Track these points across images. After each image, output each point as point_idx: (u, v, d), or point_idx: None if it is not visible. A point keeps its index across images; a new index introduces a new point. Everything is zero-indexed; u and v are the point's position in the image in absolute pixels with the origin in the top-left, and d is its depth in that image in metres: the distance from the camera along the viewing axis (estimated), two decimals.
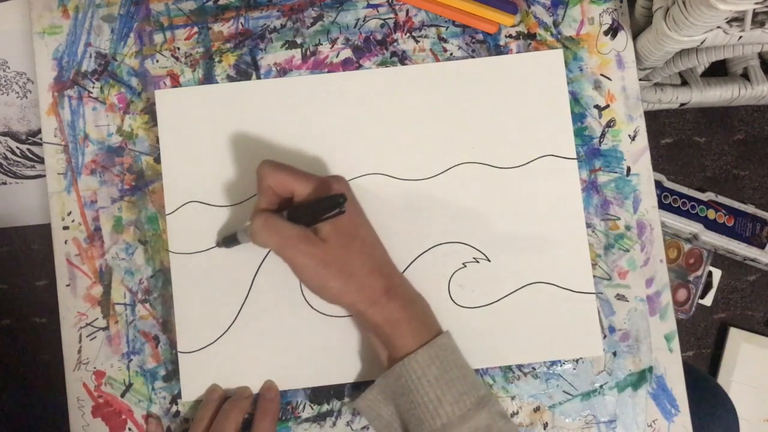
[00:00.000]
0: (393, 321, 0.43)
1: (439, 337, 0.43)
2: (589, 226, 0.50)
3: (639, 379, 0.49)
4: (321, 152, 0.51)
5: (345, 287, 0.42)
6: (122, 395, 0.50)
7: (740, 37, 0.45)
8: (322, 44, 0.51)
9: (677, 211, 0.96)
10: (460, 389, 0.41)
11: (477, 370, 0.50)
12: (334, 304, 0.44)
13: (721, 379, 1.00)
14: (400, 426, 0.44)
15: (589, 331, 0.49)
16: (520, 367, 0.50)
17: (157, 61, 0.51)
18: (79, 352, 0.50)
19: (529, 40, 0.52)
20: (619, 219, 0.51)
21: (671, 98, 0.60)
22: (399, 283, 0.45)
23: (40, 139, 0.54)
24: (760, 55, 0.62)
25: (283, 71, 0.51)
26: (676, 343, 0.50)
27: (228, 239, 0.48)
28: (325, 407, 0.50)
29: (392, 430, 0.44)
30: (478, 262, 0.50)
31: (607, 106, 0.51)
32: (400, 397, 0.42)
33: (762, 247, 0.98)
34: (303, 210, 0.43)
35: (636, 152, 0.51)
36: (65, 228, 0.51)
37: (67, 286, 0.50)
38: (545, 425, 0.49)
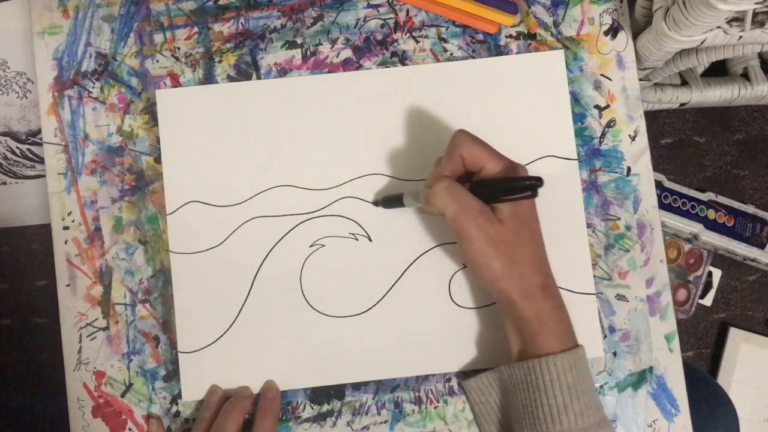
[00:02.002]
0: (542, 319, 0.42)
1: (579, 348, 0.43)
2: (589, 226, 0.50)
3: (639, 379, 0.49)
4: (321, 152, 0.51)
5: (506, 272, 0.42)
6: (122, 395, 0.50)
7: (740, 37, 0.45)
8: (322, 44, 0.51)
9: (677, 211, 0.96)
10: (587, 403, 0.41)
11: (477, 370, 0.50)
12: (487, 285, 0.43)
13: (721, 379, 1.00)
14: (503, 417, 0.44)
15: (590, 332, 0.49)
16: None
17: (158, 61, 0.51)
18: (79, 352, 0.50)
19: (530, 40, 0.52)
20: (619, 219, 0.51)
21: (671, 98, 0.60)
22: (553, 284, 0.44)
23: (40, 139, 0.54)
24: (760, 55, 0.62)
25: (283, 71, 0.51)
26: (676, 343, 0.50)
27: (390, 200, 0.48)
28: (325, 407, 0.50)
29: (493, 418, 0.45)
30: None
31: (608, 106, 0.51)
32: (522, 392, 0.42)
33: (762, 247, 0.98)
34: (490, 185, 0.42)
35: (636, 152, 0.51)
36: (65, 228, 0.51)
37: (67, 286, 0.50)
38: None
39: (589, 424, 0.41)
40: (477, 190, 0.42)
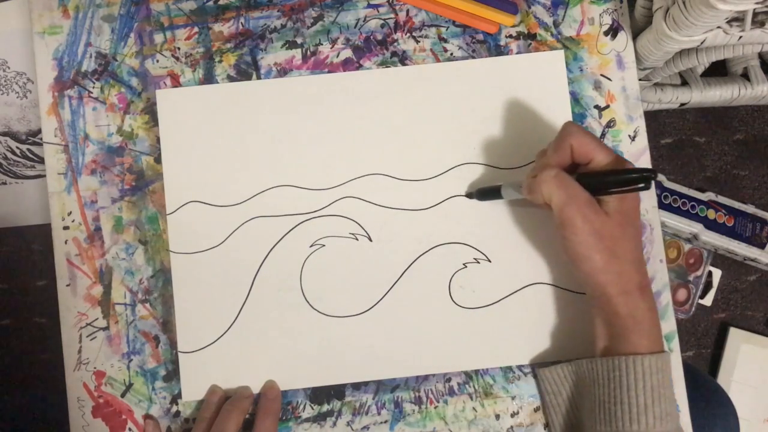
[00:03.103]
0: (637, 318, 0.42)
1: (667, 353, 0.42)
2: None
3: None
4: (321, 152, 0.51)
5: (606, 266, 0.41)
6: (122, 395, 0.50)
7: (740, 37, 0.45)
8: (322, 44, 0.51)
9: (677, 211, 0.96)
10: (666, 409, 0.41)
11: (477, 371, 0.50)
12: (584, 277, 0.43)
13: (721, 379, 1.00)
14: (572, 409, 0.45)
15: (590, 332, 0.49)
16: (520, 367, 0.50)
17: (158, 61, 0.51)
18: (79, 352, 0.50)
19: (530, 40, 0.52)
20: None
21: (671, 98, 0.60)
22: (649, 284, 0.43)
23: (40, 139, 0.54)
24: (760, 55, 0.62)
25: (283, 71, 0.51)
26: (676, 343, 0.50)
27: (486, 191, 0.48)
28: (325, 407, 0.50)
29: (561, 409, 0.45)
30: (478, 262, 0.50)
31: (607, 106, 0.51)
32: (602, 387, 0.42)
33: (762, 247, 0.97)
34: (600, 177, 0.42)
35: (636, 152, 0.51)
36: (65, 228, 0.51)
37: (67, 286, 0.50)
38: (546, 425, 0.49)
39: (666, 431, 0.40)
40: (584, 181, 0.42)
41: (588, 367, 0.44)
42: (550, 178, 0.41)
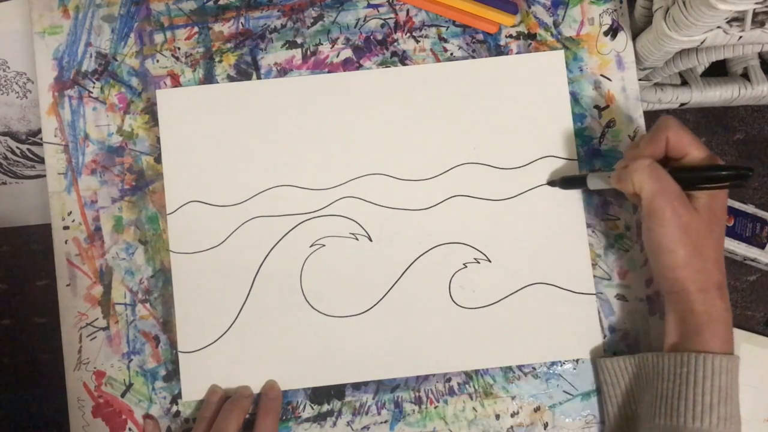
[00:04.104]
0: (713, 317, 0.41)
1: (737, 356, 0.42)
2: (589, 226, 0.50)
3: None
4: (321, 152, 0.51)
5: (689, 261, 0.41)
6: (122, 395, 0.50)
7: (740, 37, 0.44)
8: (322, 44, 0.51)
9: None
10: (731, 411, 0.41)
11: (477, 371, 0.50)
12: (665, 271, 0.42)
13: None
14: (628, 401, 0.45)
15: (590, 332, 0.49)
16: (520, 367, 0.50)
17: (158, 61, 0.51)
18: (80, 352, 0.50)
19: (530, 40, 0.52)
20: (619, 219, 0.51)
21: (671, 98, 0.60)
22: (726, 285, 0.43)
23: (40, 139, 0.53)
24: (760, 55, 0.62)
25: (283, 71, 0.51)
26: None
27: (570, 180, 0.48)
28: (325, 407, 0.50)
29: (618, 401, 0.46)
30: (478, 262, 0.50)
31: (607, 106, 0.51)
32: (667, 381, 0.42)
33: (762, 247, 0.97)
34: (695, 172, 0.41)
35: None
36: (65, 228, 0.51)
37: (67, 286, 0.50)
38: (545, 425, 0.49)
39: None
40: (677, 175, 0.41)
41: (653, 361, 0.43)
42: (643, 168, 0.41)
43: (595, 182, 0.46)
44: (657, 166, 0.41)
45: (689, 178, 0.41)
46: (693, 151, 0.42)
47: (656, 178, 0.41)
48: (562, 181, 0.49)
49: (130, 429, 0.50)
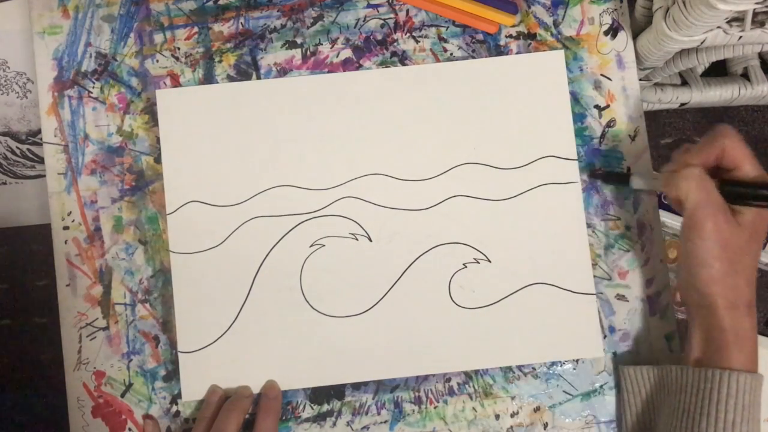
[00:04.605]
0: (740, 334, 0.41)
1: (761, 375, 0.41)
2: (589, 226, 0.50)
3: None
4: (321, 152, 0.51)
5: (723, 276, 0.40)
6: (122, 395, 0.50)
7: (740, 37, 0.44)
8: (322, 44, 0.51)
9: (678, 211, 0.96)
10: (753, 430, 0.40)
11: (477, 371, 0.50)
12: (697, 283, 0.42)
13: None
14: (647, 412, 0.45)
15: (590, 332, 0.49)
16: (520, 367, 0.50)
17: (157, 61, 0.51)
18: (79, 352, 0.50)
19: (530, 40, 0.52)
20: (619, 219, 0.51)
21: (671, 98, 0.60)
22: (755, 303, 0.42)
23: (40, 139, 0.54)
24: (760, 55, 0.62)
25: (283, 71, 0.51)
26: (676, 343, 0.50)
27: (612, 176, 0.47)
28: (325, 407, 0.50)
29: (637, 410, 0.46)
30: (478, 262, 0.50)
31: (608, 106, 0.51)
32: (689, 395, 0.42)
33: (762, 247, 0.97)
34: (747, 186, 0.41)
35: (636, 152, 0.51)
36: (65, 228, 0.51)
37: (67, 286, 0.50)
38: (545, 425, 0.49)
39: None
40: (725, 188, 0.41)
41: (677, 374, 0.43)
42: (692, 176, 0.41)
43: (638, 182, 0.46)
44: (706, 177, 0.41)
45: (738, 193, 0.41)
46: (746, 165, 0.41)
47: (703, 189, 0.41)
48: (605, 175, 0.49)
49: (129, 429, 0.50)
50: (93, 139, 0.51)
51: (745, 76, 0.62)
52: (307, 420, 0.49)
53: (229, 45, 0.51)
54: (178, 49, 0.52)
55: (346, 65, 0.51)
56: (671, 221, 0.96)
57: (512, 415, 0.49)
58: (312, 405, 0.50)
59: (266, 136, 0.51)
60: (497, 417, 0.49)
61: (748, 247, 0.41)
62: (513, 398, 0.49)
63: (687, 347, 0.44)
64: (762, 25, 0.44)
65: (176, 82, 0.51)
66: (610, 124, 0.51)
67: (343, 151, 0.51)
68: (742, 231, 0.41)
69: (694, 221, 0.41)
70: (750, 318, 0.41)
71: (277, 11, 0.52)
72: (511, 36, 0.52)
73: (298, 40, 0.51)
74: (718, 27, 0.44)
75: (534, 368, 0.50)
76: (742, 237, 0.41)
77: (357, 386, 0.50)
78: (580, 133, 0.51)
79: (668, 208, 0.96)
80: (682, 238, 0.42)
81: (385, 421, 0.49)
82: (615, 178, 0.49)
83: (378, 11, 0.52)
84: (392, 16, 0.52)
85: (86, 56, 0.52)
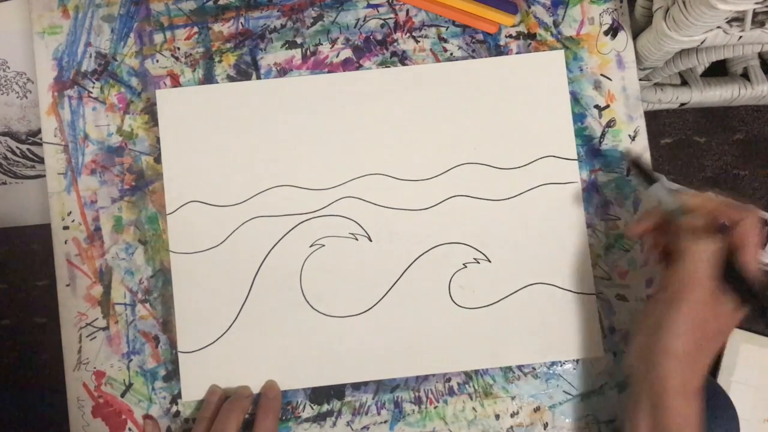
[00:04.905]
0: (688, 420, 0.39)
1: None
2: (589, 226, 0.50)
3: None
4: (321, 152, 0.51)
5: (683, 355, 0.39)
6: (122, 395, 0.50)
7: (740, 37, 0.45)
8: (322, 44, 0.51)
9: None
10: None
11: (477, 371, 0.50)
12: (649, 355, 0.40)
13: (721, 379, 1.00)
14: None
15: (590, 332, 0.49)
16: (520, 367, 0.50)
17: (157, 61, 0.51)
18: (79, 352, 0.50)
19: (530, 40, 0.52)
20: (619, 219, 0.51)
21: (671, 98, 0.60)
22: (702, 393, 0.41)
23: (40, 139, 0.54)
24: (760, 55, 0.62)
25: (283, 71, 0.51)
26: None
27: (644, 170, 0.45)
28: (325, 407, 0.50)
29: None
30: (478, 262, 0.50)
31: (607, 106, 0.51)
32: None
33: (762, 247, 0.97)
34: (741, 281, 0.39)
35: (636, 152, 0.51)
36: (65, 228, 0.51)
37: (67, 286, 0.50)
38: (545, 425, 0.49)
39: None
40: (729, 273, 0.39)
41: None
42: (706, 247, 0.39)
43: (662, 193, 0.44)
44: (720, 255, 0.39)
45: (732, 280, 0.39)
46: (750, 252, 0.39)
47: (709, 263, 0.39)
48: (633, 165, 0.47)
49: (129, 429, 0.50)
50: (93, 139, 0.51)
51: (745, 76, 0.63)
52: (307, 420, 0.49)
53: (229, 45, 0.51)
54: (178, 49, 0.52)
55: (346, 65, 0.51)
56: None
57: (512, 415, 0.49)
58: (312, 405, 0.50)
59: (266, 136, 0.51)
60: (497, 417, 0.49)
61: (719, 333, 0.40)
62: (513, 398, 0.49)
63: (630, 423, 0.41)
64: (762, 25, 0.44)
65: (176, 82, 0.51)
66: (610, 124, 0.51)
67: (343, 151, 0.51)
68: (718, 315, 0.39)
69: (680, 288, 0.39)
70: (698, 403, 0.39)
71: (277, 11, 0.52)
72: (511, 36, 0.52)
73: (298, 40, 0.51)
74: (718, 27, 0.44)
75: (534, 368, 0.50)
76: (718, 321, 0.40)
77: (357, 386, 0.50)
78: (580, 133, 0.51)
79: None
80: (656, 293, 0.41)
81: (385, 421, 0.49)
82: (642, 173, 0.47)
83: (378, 11, 0.52)
84: (392, 16, 0.52)
85: (86, 56, 0.52)
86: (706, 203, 0.42)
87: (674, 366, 0.39)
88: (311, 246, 0.50)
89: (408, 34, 0.52)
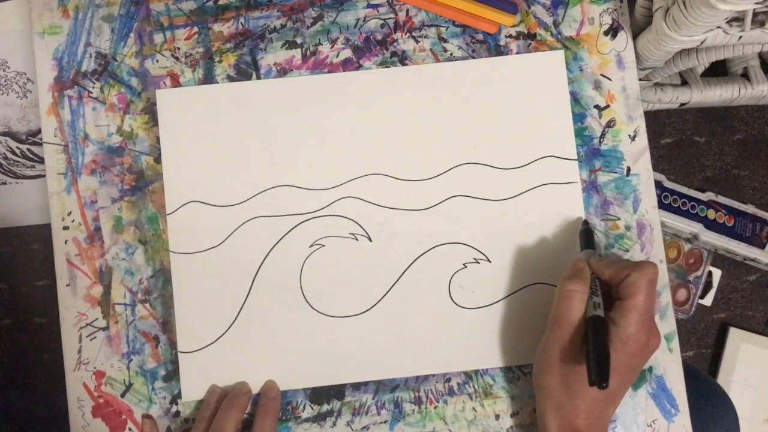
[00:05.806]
0: None
1: None
2: None
3: (639, 379, 0.49)
4: (321, 152, 0.51)
5: (552, 390, 0.42)
6: (122, 395, 0.50)
7: (740, 37, 0.45)
8: (322, 44, 0.51)
9: (677, 211, 0.96)
10: None
11: (477, 371, 0.50)
12: (534, 379, 0.45)
13: (721, 379, 1.00)
14: None
15: None
16: (520, 367, 0.50)
17: (157, 61, 0.51)
18: (79, 352, 0.50)
19: (530, 40, 0.52)
20: (619, 219, 0.51)
21: (671, 98, 0.60)
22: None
23: (40, 139, 0.54)
24: (760, 55, 0.62)
25: (283, 71, 0.51)
26: (676, 343, 0.50)
27: (588, 241, 0.48)
28: (325, 407, 0.50)
29: None
30: (478, 262, 0.50)
31: (607, 106, 0.51)
32: None
33: (762, 247, 0.97)
34: (598, 341, 0.40)
35: (636, 152, 0.51)
36: (65, 228, 0.51)
37: (67, 286, 0.50)
38: None
39: None
40: (594, 317, 0.42)
41: None
42: (575, 286, 0.43)
43: (587, 256, 0.46)
44: (585, 290, 0.43)
45: (598, 326, 0.41)
46: (633, 314, 0.41)
47: (577, 303, 0.43)
48: (584, 231, 0.48)
49: (129, 429, 0.50)
50: (93, 139, 0.51)
51: (745, 76, 0.63)
52: (307, 420, 0.50)
53: (229, 45, 0.51)
54: (178, 49, 0.52)
55: (346, 65, 0.51)
56: (671, 221, 0.97)
57: (512, 415, 0.49)
58: (312, 405, 0.50)
59: (266, 136, 0.51)
60: (497, 417, 0.49)
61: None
62: (513, 398, 0.49)
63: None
64: (762, 25, 0.44)
65: (176, 82, 0.51)
66: (610, 124, 0.51)
67: (342, 151, 0.51)
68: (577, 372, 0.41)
69: (551, 323, 0.43)
70: None
71: (277, 11, 0.52)
72: (511, 36, 0.52)
73: (298, 40, 0.52)
74: (718, 27, 0.44)
75: None
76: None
77: (357, 386, 0.50)
78: (580, 133, 0.51)
79: (668, 208, 0.97)
80: (551, 326, 0.44)
81: (385, 421, 0.49)
82: (586, 241, 0.48)
83: (378, 11, 0.52)
84: (392, 16, 0.52)
85: (86, 56, 0.52)
86: (605, 268, 0.44)
87: (547, 403, 0.43)
88: (311, 246, 0.50)
89: (408, 34, 0.52)
